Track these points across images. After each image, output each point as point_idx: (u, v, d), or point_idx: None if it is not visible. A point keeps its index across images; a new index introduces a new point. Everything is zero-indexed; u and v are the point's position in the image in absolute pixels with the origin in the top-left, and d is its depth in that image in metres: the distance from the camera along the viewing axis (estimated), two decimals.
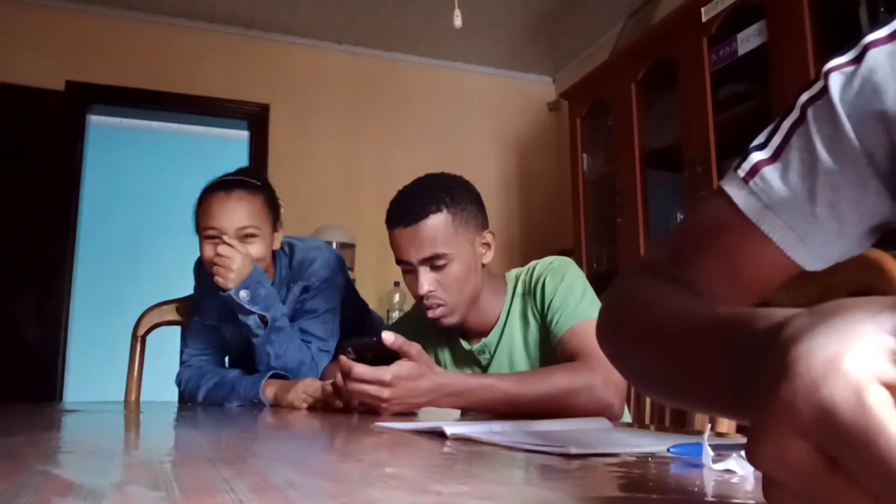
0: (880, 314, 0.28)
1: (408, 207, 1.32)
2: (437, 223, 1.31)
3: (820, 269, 0.60)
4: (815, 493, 0.27)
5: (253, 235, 1.55)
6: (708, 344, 0.43)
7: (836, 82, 0.55)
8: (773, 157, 0.59)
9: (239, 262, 1.50)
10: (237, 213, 1.54)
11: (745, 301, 0.64)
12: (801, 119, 0.58)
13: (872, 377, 0.26)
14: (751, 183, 0.59)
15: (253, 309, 1.52)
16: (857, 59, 0.55)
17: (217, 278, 1.50)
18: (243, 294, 1.51)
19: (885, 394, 0.25)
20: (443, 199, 1.32)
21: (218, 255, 1.50)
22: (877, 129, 0.53)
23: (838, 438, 0.25)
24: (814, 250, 0.58)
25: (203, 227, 1.55)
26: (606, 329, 0.65)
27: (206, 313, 1.68)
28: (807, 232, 0.57)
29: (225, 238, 1.51)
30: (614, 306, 0.63)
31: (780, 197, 0.57)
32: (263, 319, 1.54)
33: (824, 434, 0.26)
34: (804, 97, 0.58)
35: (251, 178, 1.63)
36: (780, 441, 0.27)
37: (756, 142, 0.61)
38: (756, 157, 0.60)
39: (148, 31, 3.99)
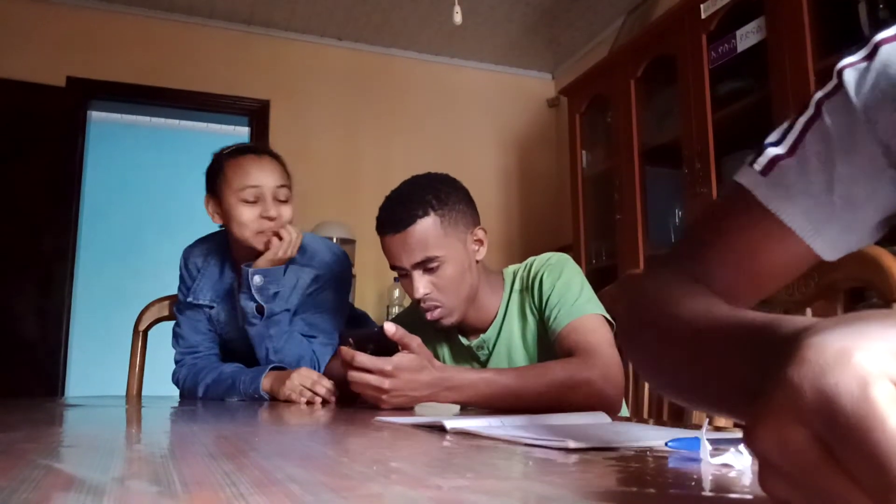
0: None
1: (395, 214, 1.32)
2: (426, 227, 1.30)
3: (834, 259, 0.61)
4: (811, 482, 0.27)
5: (288, 198, 1.59)
6: (730, 346, 0.43)
7: (850, 77, 0.57)
8: (790, 153, 0.59)
9: (286, 248, 1.55)
10: (274, 172, 1.59)
11: (761, 295, 0.64)
12: (817, 115, 0.59)
13: (883, 374, 0.25)
14: (769, 176, 0.60)
15: (256, 296, 1.53)
16: (870, 56, 0.56)
17: (259, 241, 1.54)
18: (257, 279, 1.53)
19: (892, 389, 0.25)
20: (429, 202, 1.31)
21: (279, 226, 1.54)
22: (892, 121, 0.54)
23: (837, 428, 0.25)
24: (830, 239, 0.59)
25: (241, 188, 1.54)
26: (626, 327, 0.65)
27: (200, 293, 1.68)
28: (825, 221, 0.58)
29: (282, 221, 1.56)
30: (634, 304, 0.64)
31: (799, 188, 0.58)
32: (260, 310, 1.55)
33: (824, 422, 0.26)
34: (818, 95, 0.59)
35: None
36: (780, 426, 0.27)
37: (770, 139, 0.62)
38: (773, 151, 0.60)
39: (148, 26, 3.99)
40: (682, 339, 0.51)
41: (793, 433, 0.27)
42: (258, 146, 1.65)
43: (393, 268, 1.36)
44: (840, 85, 0.57)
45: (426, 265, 1.31)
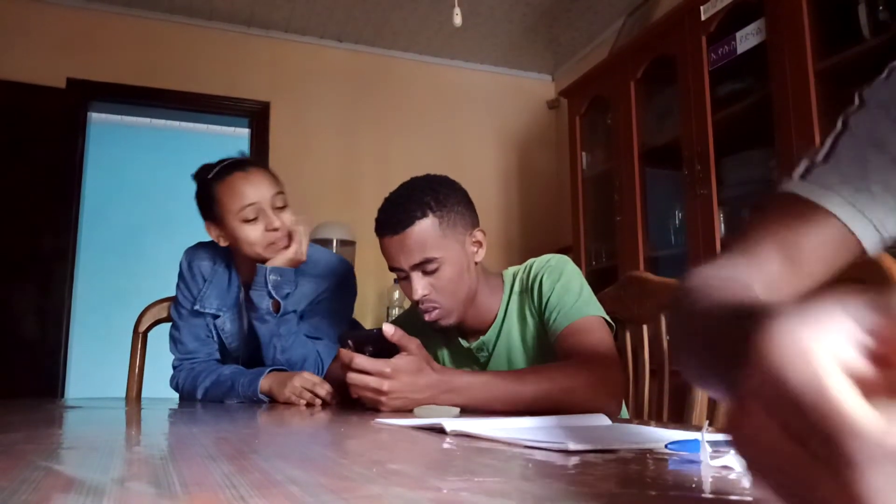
0: (852, 304, 0.28)
1: (394, 215, 1.31)
2: (425, 228, 1.30)
3: (878, 249, 0.64)
4: (792, 473, 0.27)
5: (285, 205, 1.60)
6: (718, 337, 0.46)
7: (871, 91, 0.64)
8: (825, 160, 0.64)
9: (295, 250, 1.57)
10: (265, 183, 1.58)
11: (807, 286, 0.67)
12: (845, 128, 0.65)
13: (831, 355, 0.26)
14: (807, 178, 0.64)
15: (273, 293, 1.55)
16: (887, 76, 0.64)
17: (270, 252, 1.56)
18: (273, 277, 1.55)
19: (843, 376, 0.26)
20: (428, 204, 1.31)
21: (285, 233, 1.56)
22: None
23: (794, 411, 0.26)
24: (874, 224, 0.62)
25: (239, 209, 1.54)
26: (668, 314, 0.70)
27: (207, 301, 1.68)
28: (866, 205, 0.62)
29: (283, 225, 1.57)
30: (676, 296, 0.67)
31: (837, 181, 0.62)
32: (276, 307, 1.56)
33: (783, 409, 0.26)
34: (843, 115, 0.66)
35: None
36: (749, 423, 0.28)
37: (805, 156, 0.67)
38: (808, 161, 0.66)
39: (148, 28, 3.99)
40: (696, 327, 0.55)
41: (763, 427, 0.28)
42: (240, 160, 1.63)
43: (392, 269, 1.36)
44: (863, 101, 0.64)
45: (424, 266, 1.31)
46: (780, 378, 0.27)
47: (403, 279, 1.36)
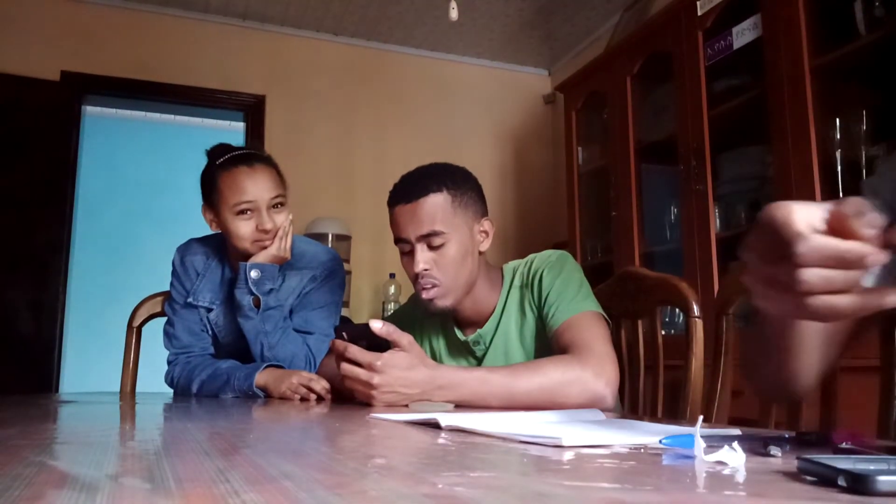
0: (819, 203, 0.56)
1: (410, 185, 1.35)
2: (437, 202, 1.33)
3: None
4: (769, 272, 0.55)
5: (282, 204, 1.61)
6: None
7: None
8: None
9: (281, 248, 1.58)
10: (267, 183, 1.59)
11: None
12: None
13: (800, 210, 0.54)
14: None
15: (253, 289, 1.55)
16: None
17: (256, 249, 1.57)
18: (254, 274, 1.55)
19: (803, 215, 0.54)
20: (444, 182, 1.35)
21: (275, 228, 1.57)
22: None
23: (774, 230, 0.55)
24: None
25: (236, 203, 1.56)
26: None
27: (200, 295, 1.68)
28: None
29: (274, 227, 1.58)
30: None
31: None
32: (257, 303, 1.56)
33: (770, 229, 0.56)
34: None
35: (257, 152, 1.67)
36: (751, 242, 0.58)
37: None
38: None
39: (143, 21, 3.98)
40: None
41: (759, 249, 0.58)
42: (251, 153, 1.63)
43: (398, 241, 1.37)
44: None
45: (430, 240, 1.33)
46: (768, 213, 0.52)
47: (406, 254, 1.37)
